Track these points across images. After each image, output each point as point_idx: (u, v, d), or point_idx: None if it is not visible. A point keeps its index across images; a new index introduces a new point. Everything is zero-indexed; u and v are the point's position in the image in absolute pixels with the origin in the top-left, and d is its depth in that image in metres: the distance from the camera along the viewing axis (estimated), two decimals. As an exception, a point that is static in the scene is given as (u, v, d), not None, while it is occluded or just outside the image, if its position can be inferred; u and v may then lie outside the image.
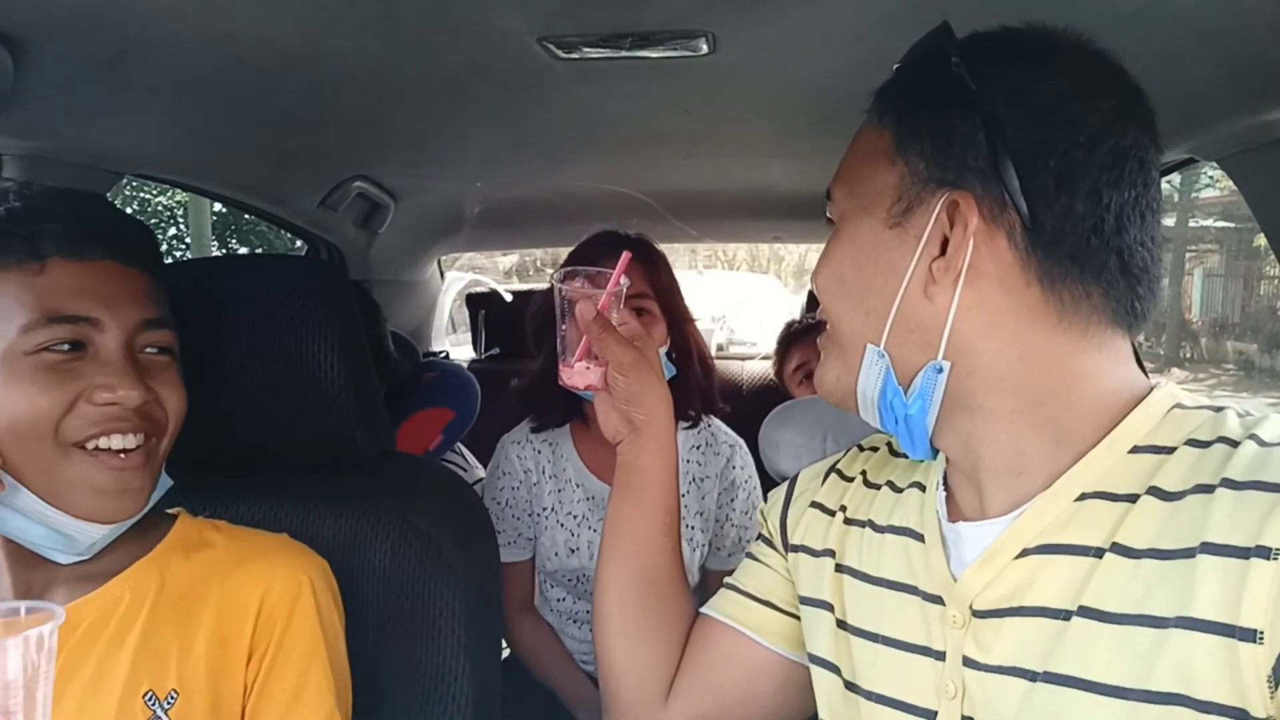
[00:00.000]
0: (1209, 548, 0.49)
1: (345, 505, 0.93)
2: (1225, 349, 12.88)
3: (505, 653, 1.45)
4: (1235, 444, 0.52)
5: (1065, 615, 0.54)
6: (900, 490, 0.71)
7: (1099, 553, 0.54)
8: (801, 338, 2.07)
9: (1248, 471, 0.50)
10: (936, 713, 0.61)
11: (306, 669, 0.77)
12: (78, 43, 0.91)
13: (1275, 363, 9.77)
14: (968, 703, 0.59)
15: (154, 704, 0.72)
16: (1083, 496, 0.56)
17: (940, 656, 0.61)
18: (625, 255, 0.81)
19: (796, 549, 0.77)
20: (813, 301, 2.57)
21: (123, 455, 0.70)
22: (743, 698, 0.77)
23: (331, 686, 0.78)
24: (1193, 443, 0.54)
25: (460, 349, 2.94)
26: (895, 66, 0.64)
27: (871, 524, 0.71)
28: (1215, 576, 0.49)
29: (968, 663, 0.59)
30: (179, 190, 6.69)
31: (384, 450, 0.98)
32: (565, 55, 1.02)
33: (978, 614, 0.59)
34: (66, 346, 0.68)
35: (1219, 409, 0.56)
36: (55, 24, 0.87)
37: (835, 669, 0.69)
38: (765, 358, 2.38)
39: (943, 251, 0.57)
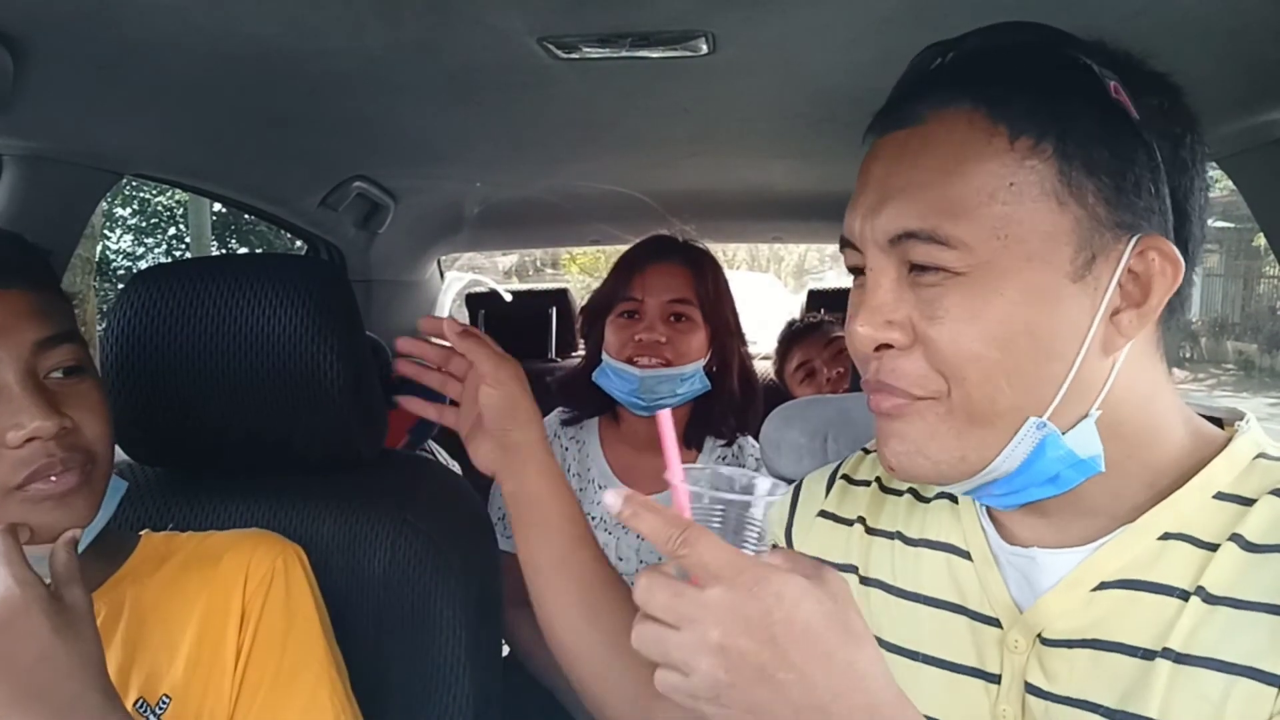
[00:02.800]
0: None
1: (345, 505, 0.93)
2: (1225, 349, 12.87)
3: (505, 652, 1.45)
4: None
5: (1148, 655, 0.53)
6: (927, 500, 0.69)
7: (1184, 595, 0.53)
8: (802, 337, 2.07)
9: None
10: None
11: (287, 648, 0.76)
12: (78, 43, 0.91)
13: (1275, 363, 9.78)
14: None
15: (146, 711, 0.71)
16: (1166, 536, 0.55)
17: (995, 680, 0.60)
18: (663, 418, 0.57)
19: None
20: (813, 301, 2.57)
21: (54, 479, 0.66)
22: None
23: (322, 661, 0.77)
24: (1278, 493, 0.53)
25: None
26: (980, 63, 0.55)
27: (902, 536, 0.69)
28: None
29: (1031, 690, 0.57)
30: (179, 190, 6.69)
31: (384, 450, 0.98)
32: (565, 55, 1.02)
33: (1047, 642, 0.58)
34: None
35: None
36: (55, 24, 0.87)
37: None
38: (765, 357, 2.38)
39: (1125, 302, 0.53)
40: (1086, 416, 0.53)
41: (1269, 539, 0.52)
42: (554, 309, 2.63)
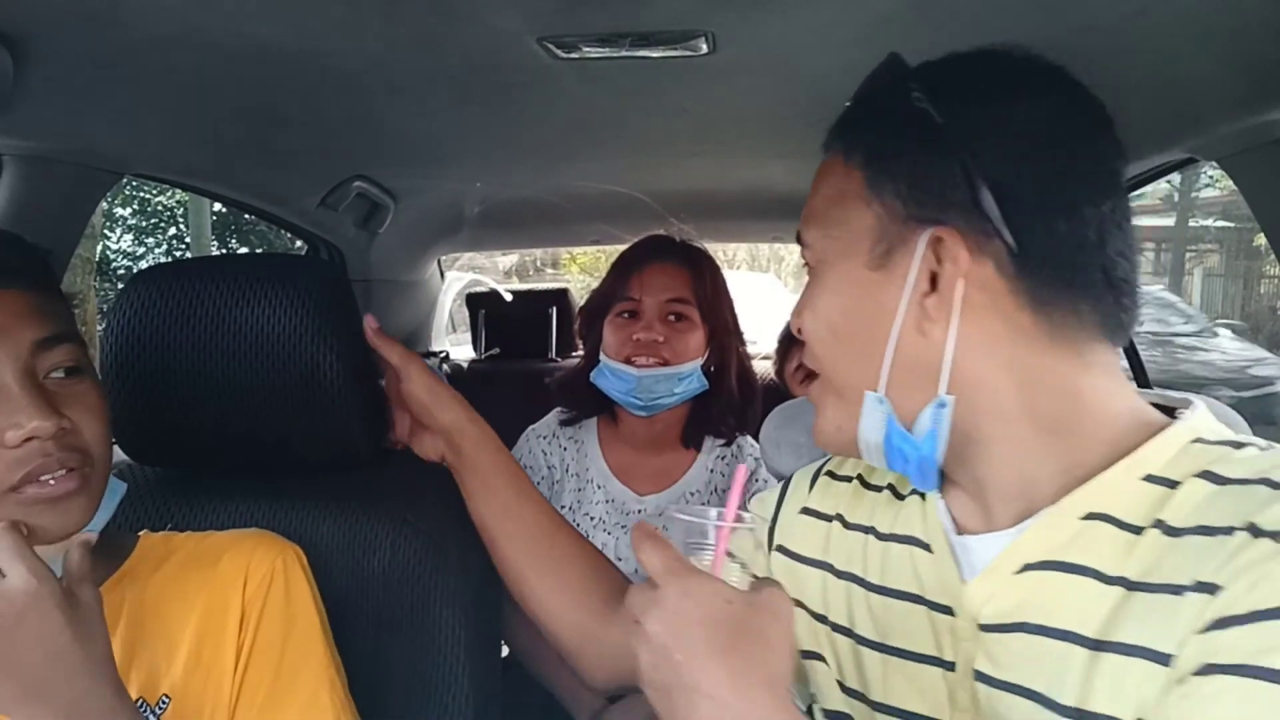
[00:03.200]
0: (1203, 587, 0.49)
1: (345, 505, 0.93)
2: (1225, 349, 12.86)
3: (505, 652, 1.45)
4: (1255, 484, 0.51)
5: (1068, 638, 0.54)
6: (902, 497, 0.70)
7: (1103, 578, 0.53)
8: (802, 337, 2.07)
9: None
10: None
11: (287, 648, 0.76)
12: (78, 42, 0.91)
13: (1275, 363, 9.78)
14: (978, 716, 0.58)
15: (145, 710, 0.71)
16: (1089, 516, 0.55)
17: (951, 667, 0.61)
18: (740, 473, 0.62)
19: (780, 550, 0.77)
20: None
21: (52, 482, 0.66)
22: None
23: (322, 661, 0.77)
24: (1205, 475, 0.53)
25: (460, 349, 2.93)
26: (848, 103, 0.64)
27: (874, 531, 0.70)
28: (1195, 610, 0.48)
29: (979, 676, 0.58)
30: (179, 190, 6.69)
31: (384, 450, 0.98)
32: (565, 55, 1.02)
33: (985, 627, 0.59)
34: None
35: (1240, 444, 0.55)
36: (55, 24, 0.87)
37: (823, 660, 0.71)
38: (765, 357, 2.38)
39: (933, 288, 0.57)
40: (934, 402, 0.57)
41: (1188, 522, 0.51)
42: (554, 309, 2.63)
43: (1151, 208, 12.76)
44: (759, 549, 0.80)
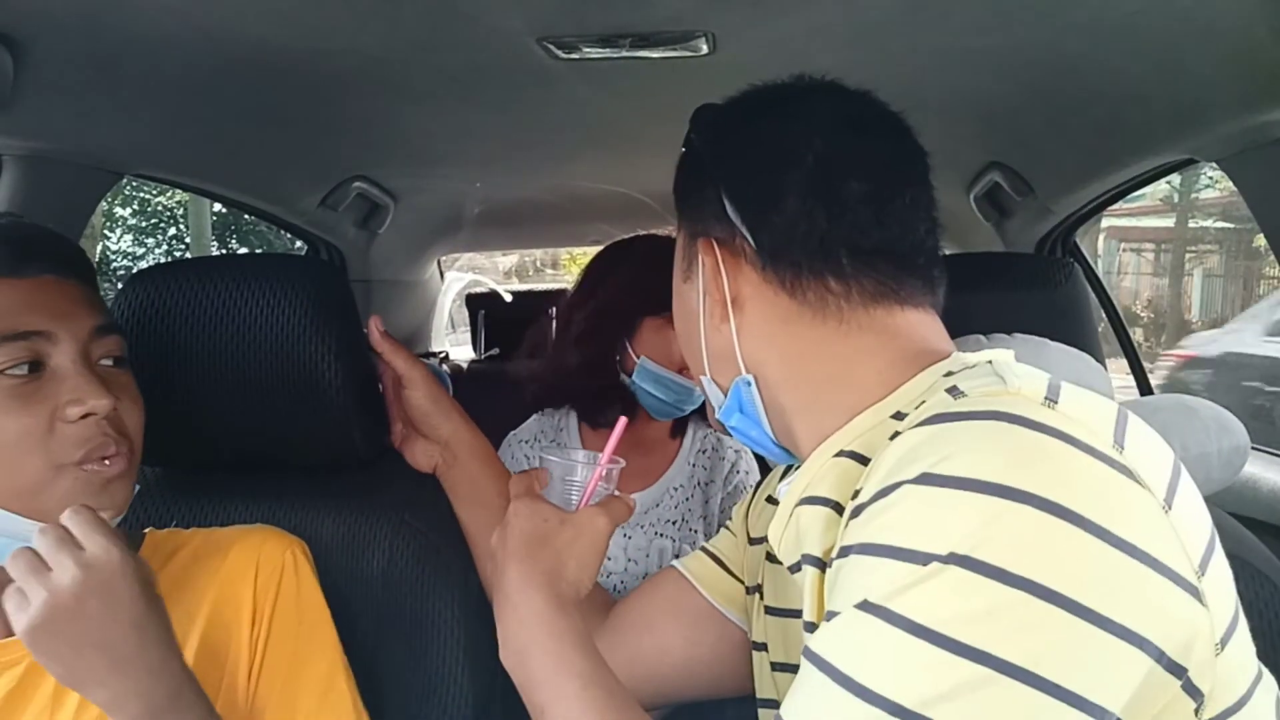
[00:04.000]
0: (855, 493, 0.53)
1: (344, 505, 0.93)
2: (1225, 349, 12.86)
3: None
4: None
5: (813, 562, 0.59)
6: None
7: (839, 509, 0.57)
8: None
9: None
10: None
11: (300, 639, 0.78)
12: (78, 43, 0.91)
13: (1275, 363, 9.78)
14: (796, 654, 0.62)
15: None
16: (840, 454, 0.60)
17: (799, 615, 0.65)
18: (620, 423, 0.78)
19: (753, 541, 0.80)
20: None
21: (108, 462, 0.70)
22: (682, 643, 0.82)
23: (336, 649, 0.79)
24: (922, 406, 0.55)
25: (460, 349, 2.94)
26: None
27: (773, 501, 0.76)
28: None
29: (794, 614, 0.64)
30: (179, 190, 6.68)
31: (384, 450, 0.98)
32: (565, 55, 1.02)
33: (790, 570, 0.64)
34: (25, 368, 0.67)
35: (970, 365, 0.58)
36: (55, 24, 0.87)
37: (765, 649, 0.75)
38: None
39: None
40: (740, 378, 0.66)
41: (893, 449, 0.53)
42: (554, 309, 2.62)
43: (1151, 208, 12.76)
44: (738, 546, 0.83)
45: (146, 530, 0.83)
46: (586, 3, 0.89)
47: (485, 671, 0.94)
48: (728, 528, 0.86)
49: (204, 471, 0.98)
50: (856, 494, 0.52)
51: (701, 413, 1.46)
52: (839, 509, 0.57)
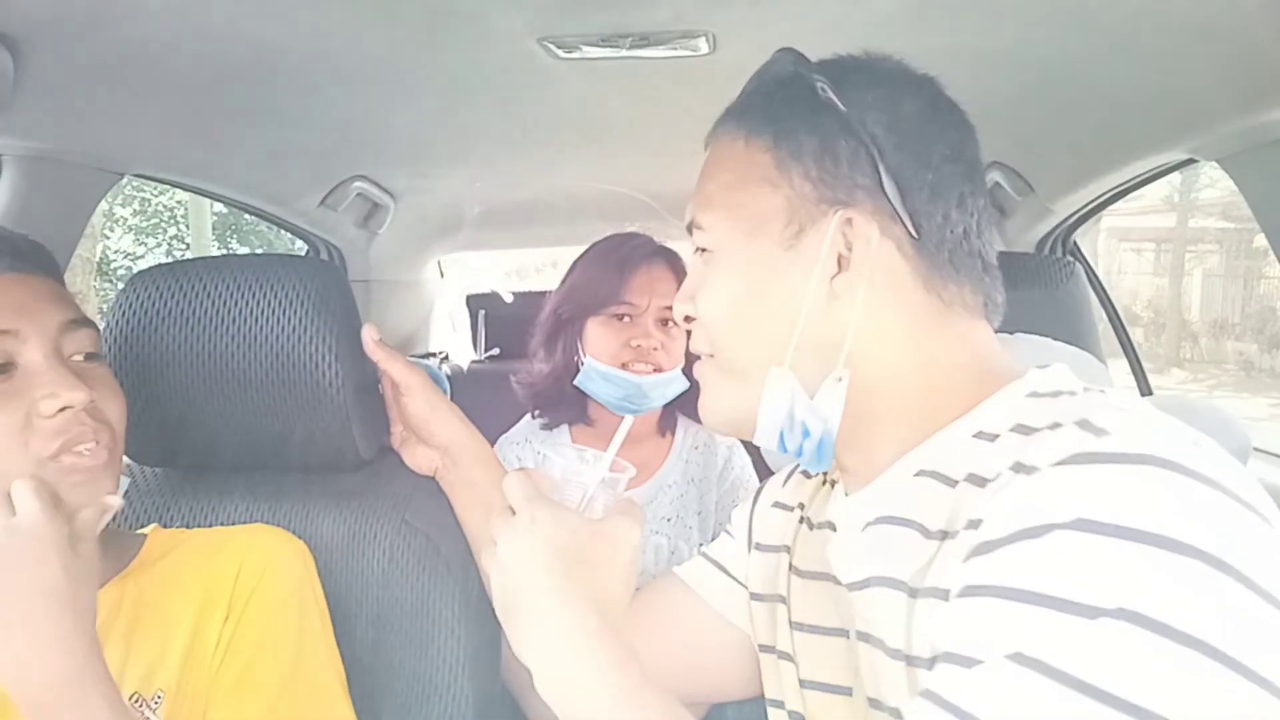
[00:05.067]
0: (971, 524, 0.51)
1: (344, 505, 0.93)
2: (1225, 349, 12.86)
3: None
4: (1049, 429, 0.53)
5: (899, 587, 0.56)
6: (834, 485, 0.73)
7: (925, 531, 0.56)
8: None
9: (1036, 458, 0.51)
10: (852, 690, 0.63)
11: (279, 641, 0.76)
12: (78, 43, 0.91)
13: (1275, 363, 9.77)
14: (869, 679, 0.61)
15: (141, 705, 0.71)
16: (920, 474, 0.58)
17: (848, 634, 0.64)
18: (626, 421, 0.70)
19: (759, 547, 0.79)
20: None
21: (85, 453, 0.69)
22: (684, 650, 0.80)
23: (326, 652, 0.78)
24: (1018, 429, 0.55)
25: (460, 350, 2.93)
26: (747, 88, 0.67)
27: (810, 521, 0.74)
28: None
29: (860, 635, 0.61)
30: (179, 190, 6.67)
31: (384, 450, 0.98)
32: (565, 55, 1.02)
33: (849, 587, 0.62)
34: None
35: (1058, 393, 0.56)
36: (55, 24, 0.87)
37: (792, 661, 0.72)
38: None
39: (840, 268, 0.59)
40: (831, 377, 0.59)
41: (994, 472, 0.53)
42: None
43: (1151, 208, 12.76)
44: (740, 552, 0.82)
45: (150, 528, 0.83)
46: (586, 3, 0.89)
47: (485, 671, 0.94)
48: (728, 532, 0.85)
49: (204, 471, 0.98)
50: (970, 524, 0.50)
51: (688, 408, 1.46)
52: (924, 531, 0.55)
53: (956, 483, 0.55)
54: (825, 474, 0.77)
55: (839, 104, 0.59)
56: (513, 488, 0.61)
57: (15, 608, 0.60)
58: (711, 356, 0.66)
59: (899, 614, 0.55)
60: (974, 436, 0.56)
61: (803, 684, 0.69)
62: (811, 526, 0.73)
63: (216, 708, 0.73)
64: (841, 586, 0.64)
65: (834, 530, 0.67)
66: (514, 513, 0.60)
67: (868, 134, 0.58)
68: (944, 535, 0.54)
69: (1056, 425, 0.51)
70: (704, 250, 0.65)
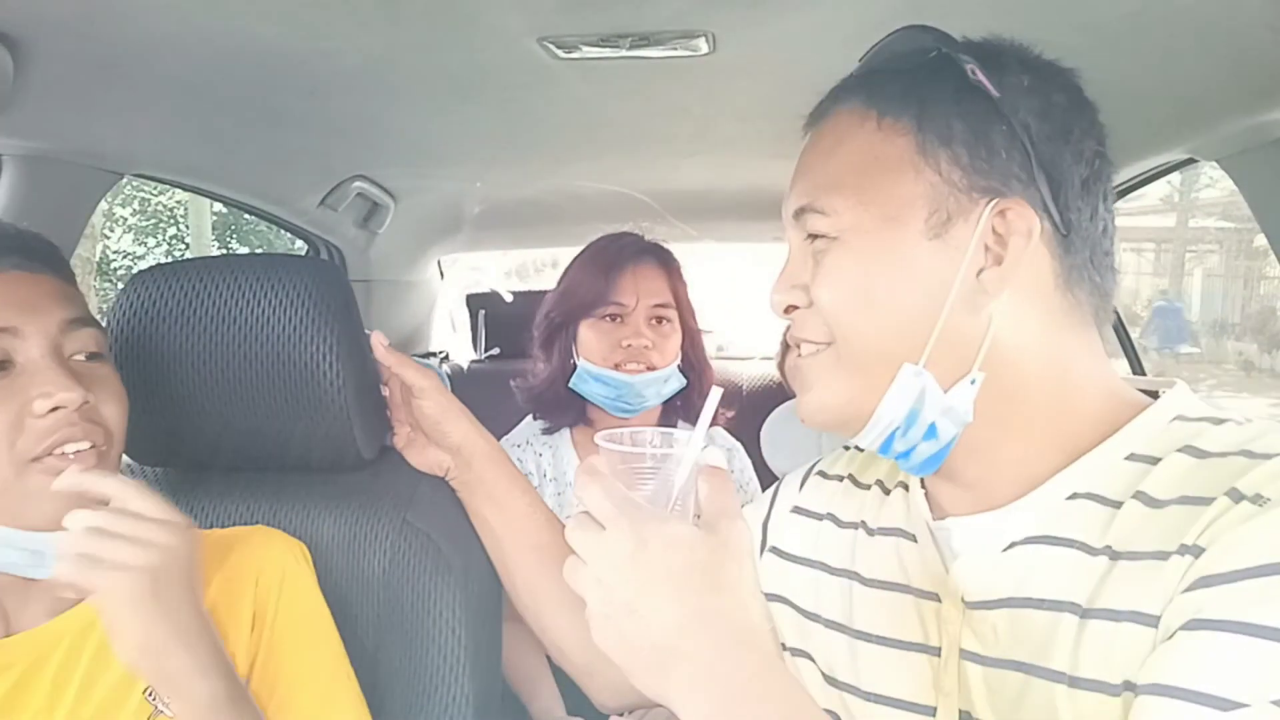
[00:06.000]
0: (1186, 549, 0.49)
1: (345, 505, 0.93)
2: (1225, 349, 12.87)
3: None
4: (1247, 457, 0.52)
5: (1056, 608, 0.54)
6: (889, 491, 0.71)
7: (1088, 549, 0.54)
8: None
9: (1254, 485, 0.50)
10: (935, 709, 0.60)
11: (304, 645, 0.78)
12: (78, 43, 0.91)
13: (1275, 363, 9.77)
14: (964, 697, 0.59)
15: (154, 699, 0.72)
16: (1074, 495, 0.56)
17: (937, 652, 0.61)
18: (715, 393, 0.61)
19: (774, 551, 0.77)
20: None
21: (72, 456, 0.68)
22: None
23: (339, 655, 0.79)
24: (1186, 450, 0.54)
25: (459, 349, 2.93)
26: (872, 64, 0.63)
27: (865, 527, 0.71)
28: (1180, 571, 0.49)
29: (967, 655, 0.59)
30: (179, 190, 6.67)
31: (384, 450, 0.98)
32: (565, 55, 1.02)
33: (972, 606, 0.59)
34: None
35: (1221, 420, 0.56)
36: (55, 24, 0.87)
37: (810, 658, 0.71)
38: (766, 358, 2.38)
39: (987, 261, 0.56)
40: (965, 378, 0.57)
41: (1170, 493, 0.52)
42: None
43: (1151, 208, 12.76)
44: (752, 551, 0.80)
45: None
46: (586, 3, 0.89)
47: (485, 671, 0.94)
48: None
49: (204, 471, 0.98)
50: (1184, 549, 0.49)
51: (683, 411, 1.47)
52: (1088, 549, 0.54)
53: (1121, 503, 0.54)
54: (851, 476, 0.75)
55: (991, 89, 0.55)
56: (598, 498, 0.52)
57: (181, 618, 0.63)
58: (828, 346, 0.61)
59: (1063, 635, 0.53)
60: (1127, 459, 0.56)
61: (870, 698, 0.65)
62: (870, 533, 0.69)
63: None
64: (925, 600, 0.62)
65: (910, 539, 0.65)
66: (602, 526, 0.52)
67: (1020, 122, 0.55)
68: (1113, 554, 0.53)
69: (1250, 453, 0.51)
70: (820, 236, 0.61)
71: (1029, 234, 0.55)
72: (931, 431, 0.58)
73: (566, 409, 1.45)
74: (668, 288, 1.40)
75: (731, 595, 0.51)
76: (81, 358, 0.72)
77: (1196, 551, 0.48)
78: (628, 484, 0.55)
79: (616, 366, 1.36)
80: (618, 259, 1.40)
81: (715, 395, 0.59)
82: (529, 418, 1.53)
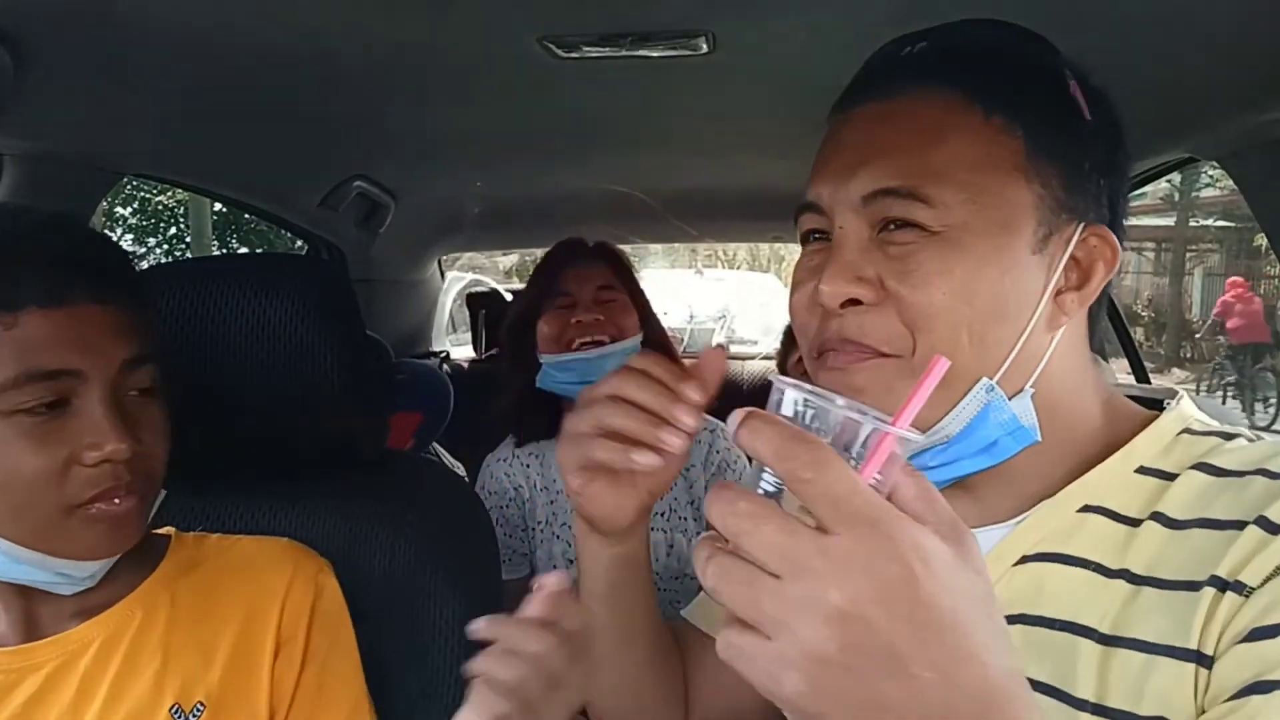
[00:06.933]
0: (1218, 581, 0.48)
1: (345, 505, 0.93)
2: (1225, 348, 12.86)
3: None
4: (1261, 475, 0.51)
5: (1072, 629, 0.53)
6: None
7: (1102, 570, 0.54)
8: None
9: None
10: None
11: (328, 663, 0.78)
12: (78, 43, 0.91)
13: (1276, 363, 9.78)
14: None
15: (180, 716, 0.72)
16: (1085, 509, 0.56)
17: None
18: (941, 364, 0.40)
19: None
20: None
21: (117, 501, 0.67)
22: (752, 692, 0.75)
23: (356, 675, 0.80)
24: (1201, 467, 0.53)
25: (460, 348, 2.93)
26: (951, 46, 0.58)
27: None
28: (1224, 609, 0.48)
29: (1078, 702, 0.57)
30: (179, 190, 6.68)
31: (384, 450, 0.98)
32: (565, 55, 1.02)
33: None
34: (45, 408, 0.63)
35: (1230, 435, 0.56)
36: (55, 24, 0.87)
37: None
38: (766, 357, 2.38)
39: (1069, 283, 0.56)
40: (1022, 391, 0.56)
41: (1189, 514, 0.52)
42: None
43: (1151, 208, 12.76)
44: None
45: (170, 530, 0.83)
46: (586, 2, 0.89)
47: (486, 671, 0.94)
48: None
49: (204, 471, 0.98)
50: (1214, 580, 0.48)
51: None
52: (1104, 570, 0.53)
53: (1139, 522, 0.53)
54: None
55: (1086, 110, 0.55)
56: (831, 480, 0.34)
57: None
58: (900, 355, 0.55)
59: (1085, 661, 0.51)
60: (1138, 471, 0.55)
61: None
62: None
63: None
64: None
65: None
66: (825, 530, 0.34)
67: (1101, 148, 0.56)
68: (1133, 578, 0.52)
69: (1269, 472, 0.51)
70: (911, 226, 0.54)
71: (1113, 262, 0.56)
72: (989, 447, 0.56)
73: (541, 413, 1.45)
74: (611, 276, 1.47)
75: (992, 621, 0.35)
76: (134, 394, 0.69)
77: (1239, 588, 0.47)
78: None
79: (569, 345, 1.39)
80: (558, 261, 1.48)
81: (942, 367, 0.40)
82: (509, 440, 1.53)
